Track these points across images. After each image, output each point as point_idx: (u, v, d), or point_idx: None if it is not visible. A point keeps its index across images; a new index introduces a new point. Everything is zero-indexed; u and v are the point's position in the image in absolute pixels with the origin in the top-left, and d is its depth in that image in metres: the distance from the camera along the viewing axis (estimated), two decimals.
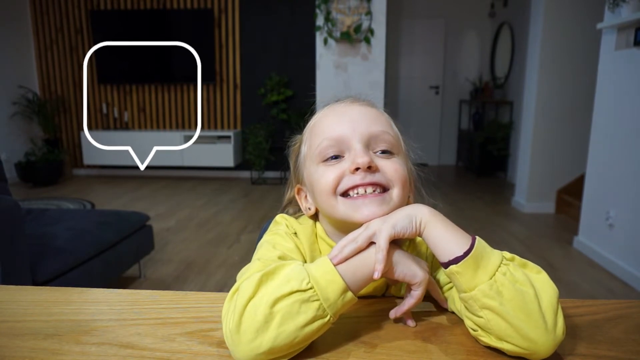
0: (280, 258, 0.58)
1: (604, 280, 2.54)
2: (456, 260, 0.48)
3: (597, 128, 2.86)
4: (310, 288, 0.47)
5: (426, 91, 6.53)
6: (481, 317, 0.48)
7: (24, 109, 5.18)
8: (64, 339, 0.52)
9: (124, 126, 5.45)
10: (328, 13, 3.85)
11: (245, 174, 5.39)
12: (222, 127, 5.40)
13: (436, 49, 6.40)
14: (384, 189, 0.57)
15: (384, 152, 0.59)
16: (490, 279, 0.47)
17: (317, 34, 3.94)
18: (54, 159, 4.92)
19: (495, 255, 0.49)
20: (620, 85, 2.62)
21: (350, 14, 3.85)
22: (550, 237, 3.29)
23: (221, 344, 0.51)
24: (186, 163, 5.16)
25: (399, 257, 0.53)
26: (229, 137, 5.10)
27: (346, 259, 0.51)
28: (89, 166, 5.55)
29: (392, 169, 0.57)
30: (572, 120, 3.76)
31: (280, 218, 0.68)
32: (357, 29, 3.83)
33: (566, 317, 0.56)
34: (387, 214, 0.55)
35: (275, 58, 5.15)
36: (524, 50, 4.56)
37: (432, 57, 6.43)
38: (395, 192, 0.57)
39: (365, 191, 0.56)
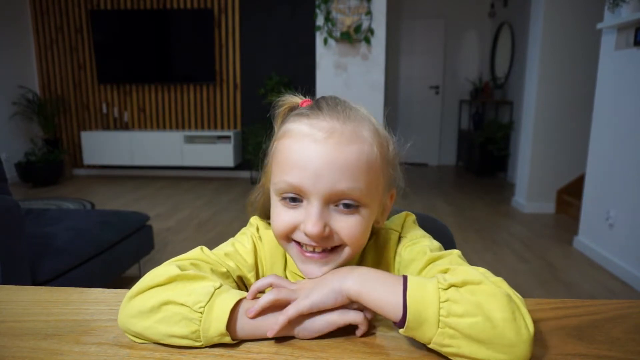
0: (227, 255, 0.64)
1: (604, 280, 2.54)
2: (399, 325, 0.47)
3: (597, 128, 2.86)
4: (200, 313, 0.49)
5: (426, 91, 6.53)
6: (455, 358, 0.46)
7: (24, 109, 5.18)
8: (64, 339, 0.52)
9: (124, 126, 5.44)
10: (328, 13, 3.85)
11: (245, 174, 5.39)
12: (222, 127, 5.40)
13: (436, 49, 6.40)
14: (335, 247, 0.56)
15: (347, 205, 0.54)
16: (438, 328, 0.45)
17: (317, 34, 3.94)
18: (54, 159, 4.92)
19: (431, 299, 0.46)
20: (620, 85, 2.62)
21: (350, 14, 3.85)
22: (550, 237, 3.29)
23: (221, 343, 0.51)
24: (186, 163, 5.16)
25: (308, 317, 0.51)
26: (228, 137, 5.10)
27: (262, 309, 0.51)
28: (89, 166, 5.55)
29: (347, 231, 0.55)
30: (572, 120, 3.75)
31: (253, 220, 0.70)
32: (357, 29, 3.83)
33: (566, 317, 0.56)
34: (331, 269, 0.56)
35: (275, 58, 5.14)
36: (524, 50, 4.55)
37: (432, 57, 6.43)
38: (345, 250, 0.56)
39: (314, 249, 0.56)
